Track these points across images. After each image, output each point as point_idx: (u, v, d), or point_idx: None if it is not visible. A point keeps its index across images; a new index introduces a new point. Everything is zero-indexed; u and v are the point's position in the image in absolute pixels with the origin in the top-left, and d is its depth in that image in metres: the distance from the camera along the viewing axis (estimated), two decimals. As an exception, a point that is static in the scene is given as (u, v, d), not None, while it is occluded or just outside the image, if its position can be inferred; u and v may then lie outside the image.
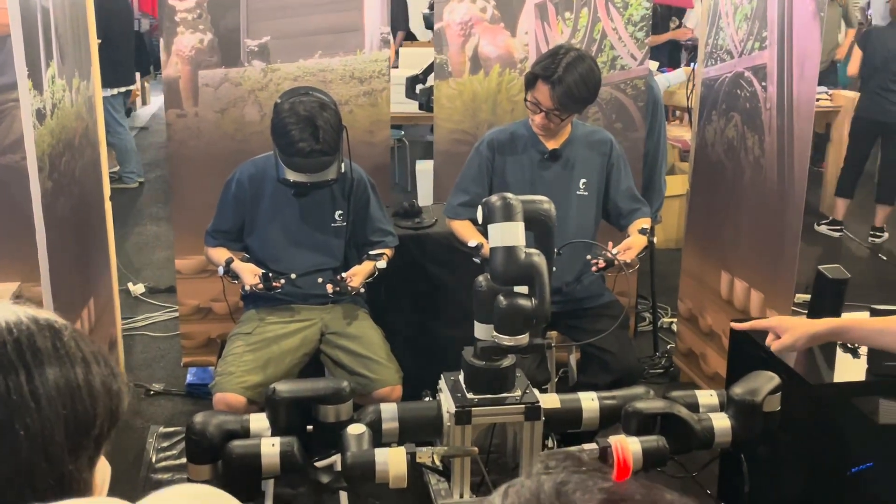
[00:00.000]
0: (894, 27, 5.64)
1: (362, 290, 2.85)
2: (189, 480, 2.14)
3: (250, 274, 2.80)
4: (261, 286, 2.77)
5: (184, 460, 3.19)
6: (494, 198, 2.13)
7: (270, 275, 2.80)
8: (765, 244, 3.28)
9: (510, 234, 2.08)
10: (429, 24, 4.08)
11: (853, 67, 5.90)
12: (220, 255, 2.92)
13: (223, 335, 3.38)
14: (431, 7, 4.10)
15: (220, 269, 2.89)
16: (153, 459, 3.25)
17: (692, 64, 4.34)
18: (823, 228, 6.07)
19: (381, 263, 2.92)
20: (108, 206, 3.48)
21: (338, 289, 2.79)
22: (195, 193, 3.45)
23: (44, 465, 0.92)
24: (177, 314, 4.13)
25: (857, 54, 5.83)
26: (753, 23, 3.28)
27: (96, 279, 3.35)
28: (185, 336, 3.73)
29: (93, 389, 0.97)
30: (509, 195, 2.14)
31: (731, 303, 3.50)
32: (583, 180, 3.01)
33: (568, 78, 2.77)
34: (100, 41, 6.35)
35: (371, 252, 2.96)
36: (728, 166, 3.50)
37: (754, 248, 3.36)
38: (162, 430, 3.44)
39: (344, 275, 2.82)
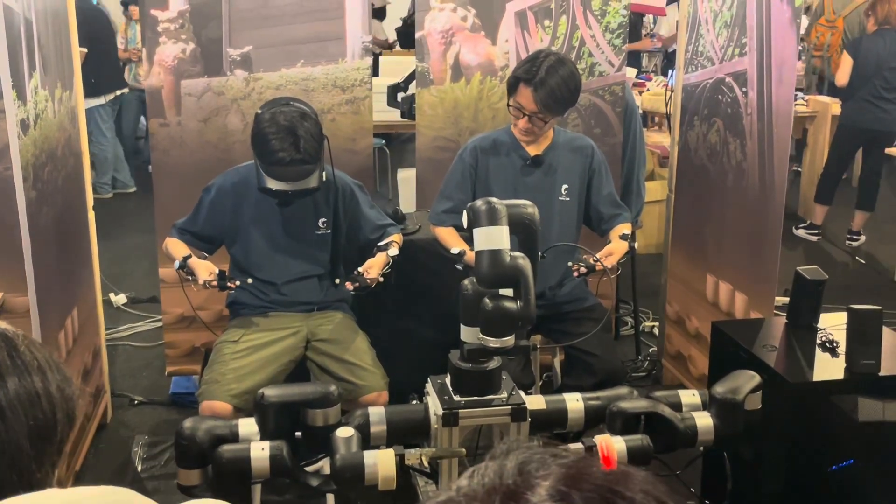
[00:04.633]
0: (883, 35, 5.67)
1: (381, 279, 2.81)
2: (178, 486, 2.15)
3: (205, 271, 2.78)
4: (215, 283, 2.75)
5: (170, 469, 3.21)
6: (479, 202, 2.16)
7: (226, 273, 2.79)
8: (748, 246, 3.33)
9: (495, 237, 2.11)
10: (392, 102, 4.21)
11: (843, 76, 5.81)
12: (179, 249, 2.90)
13: (207, 344, 3.38)
14: (397, 88, 4.22)
15: (176, 264, 2.86)
16: (139, 469, 3.25)
17: (671, 71, 4.39)
18: (801, 232, 6.14)
19: (393, 251, 2.91)
20: (91, 216, 3.48)
21: (357, 284, 2.76)
22: (179, 202, 3.46)
23: (14, 478, 0.92)
24: (159, 324, 4.13)
25: (848, 62, 5.76)
26: (733, 29, 3.34)
27: (80, 289, 3.35)
28: (169, 345, 3.73)
29: (51, 396, 0.97)
30: (494, 199, 2.16)
31: (716, 305, 3.54)
32: (565, 186, 3.05)
33: (550, 80, 2.81)
34: (85, 50, 6.40)
35: (379, 244, 2.95)
36: (711, 171, 3.55)
37: (738, 251, 3.41)
38: (147, 439, 3.44)
39: (360, 269, 2.80)
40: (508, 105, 2.94)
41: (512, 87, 2.90)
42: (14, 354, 0.96)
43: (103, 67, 6.58)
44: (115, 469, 3.25)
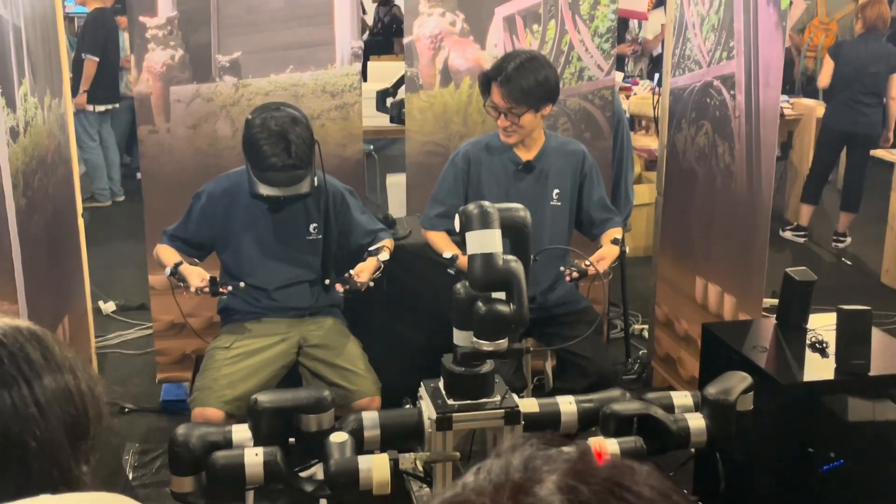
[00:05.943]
0: (866, 40, 5.73)
1: (371, 284, 2.81)
2: (172, 493, 2.14)
3: (197, 277, 2.76)
4: (207, 290, 2.74)
5: (161, 477, 3.19)
6: (471, 206, 2.17)
7: (218, 279, 2.79)
8: (736, 249, 3.34)
9: (488, 241, 2.12)
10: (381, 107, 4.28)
11: (825, 79, 5.90)
12: (170, 256, 2.88)
13: (198, 350, 3.38)
14: (386, 93, 4.27)
15: (167, 271, 2.84)
16: (130, 477, 3.24)
17: (657, 75, 4.41)
18: (788, 234, 6.17)
19: (384, 255, 2.90)
20: (80, 223, 3.47)
21: (347, 286, 2.76)
22: (168, 209, 3.45)
23: (55, 474, 0.93)
24: (149, 331, 4.11)
25: (829, 65, 5.84)
26: (721, 33, 3.36)
27: (70, 297, 3.34)
28: (159, 352, 3.71)
29: (83, 393, 0.99)
30: (486, 203, 2.17)
31: (705, 307, 3.56)
32: (556, 191, 3.06)
33: (515, 74, 2.83)
34: (98, 60, 6.44)
35: (370, 249, 2.95)
36: (699, 173, 3.57)
37: (726, 253, 3.42)
38: (138, 447, 3.42)
39: (351, 272, 2.80)
40: (485, 105, 2.96)
41: (485, 87, 2.92)
42: (47, 354, 0.98)
43: (103, 79, 6.60)
44: (105, 477, 3.20)
